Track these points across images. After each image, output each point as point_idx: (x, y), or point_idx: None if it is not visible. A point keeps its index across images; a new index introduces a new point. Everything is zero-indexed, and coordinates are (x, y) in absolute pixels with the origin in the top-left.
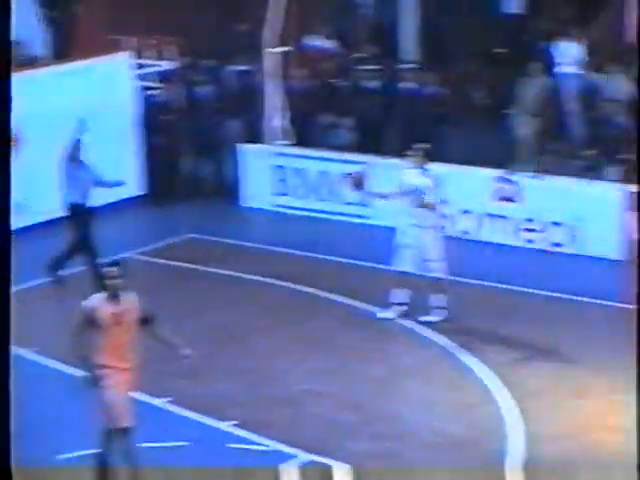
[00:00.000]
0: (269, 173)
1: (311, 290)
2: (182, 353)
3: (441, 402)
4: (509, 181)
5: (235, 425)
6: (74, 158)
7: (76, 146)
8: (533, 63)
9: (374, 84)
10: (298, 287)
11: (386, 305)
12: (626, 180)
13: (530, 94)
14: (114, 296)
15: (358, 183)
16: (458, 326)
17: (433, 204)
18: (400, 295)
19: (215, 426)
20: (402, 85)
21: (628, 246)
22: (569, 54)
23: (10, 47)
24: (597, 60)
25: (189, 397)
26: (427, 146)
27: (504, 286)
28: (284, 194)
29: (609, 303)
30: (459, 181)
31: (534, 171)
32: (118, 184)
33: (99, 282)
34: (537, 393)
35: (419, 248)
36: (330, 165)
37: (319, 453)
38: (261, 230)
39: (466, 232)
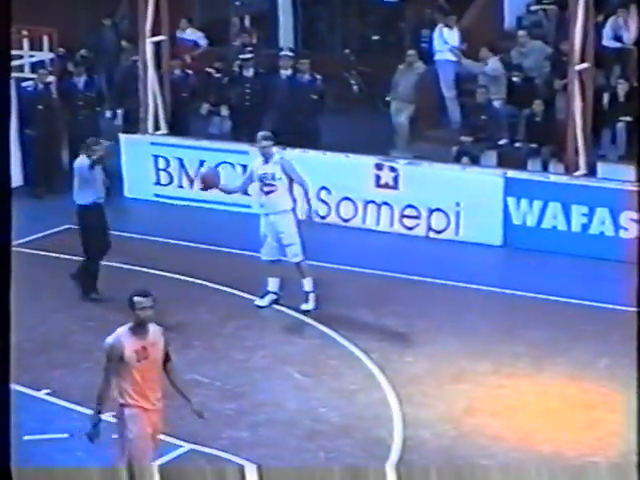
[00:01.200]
0: (150, 163)
1: (192, 280)
2: (193, 409)
3: (323, 389)
4: (388, 168)
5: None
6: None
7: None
8: (410, 50)
9: (250, 72)
10: (179, 277)
11: (263, 293)
12: (503, 165)
13: (407, 81)
14: (142, 328)
15: (209, 182)
16: (339, 313)
17: (280, 189)
18: (272, 283)
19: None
20: (279, 73)
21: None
22: (445, 41)
23: (10, 46)
24: (473, 46)
25: (69, 388)
26: (270, 134)
27: (385, 273)
28: (165, 184)
29: (488, 288)
30: (338, 169)
31: (413, 157)
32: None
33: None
34: (417, 379)
35: (274, 235)
36: (209, 154)
37: (200, 443)
38: (143, 220)
39: (346, 219)
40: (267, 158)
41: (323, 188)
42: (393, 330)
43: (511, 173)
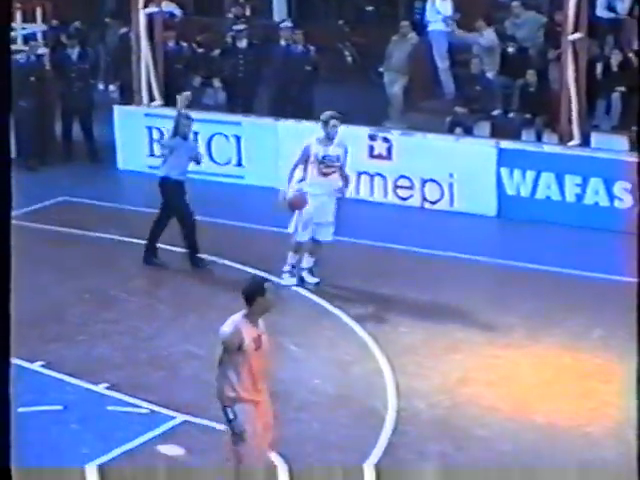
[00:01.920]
0: (144, 135)
1: (186, 251)
2: None
3: (317, 360)
4: (382, 139)
5: (111, 388)
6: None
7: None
8: (403, 21)
9: (244, 44)
10: (173, 248)
11: (279, 271)
12: (497, 136)
13: (401, 52)
14: (257, 317)
15: (297, 205)
16: (333, 284)
17: (338, 171)
18: (307, 260)
19: (91, 389)
20: (272, 44)
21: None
22: (438, 11)
23: (9, 40)
24: (467, 17)
25: (64, 360)
26: (338, 114)
27: (379, 244)
28: (159, 156)
29: (483, 259)
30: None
31: (406, 128)
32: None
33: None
34: (412, 349)
35: (321, 215)
36: (203, 126)
37: (194, 414)
38: (137, 192)
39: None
40: (332, 139)
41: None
42: (387, 301)
43: (504, 144)
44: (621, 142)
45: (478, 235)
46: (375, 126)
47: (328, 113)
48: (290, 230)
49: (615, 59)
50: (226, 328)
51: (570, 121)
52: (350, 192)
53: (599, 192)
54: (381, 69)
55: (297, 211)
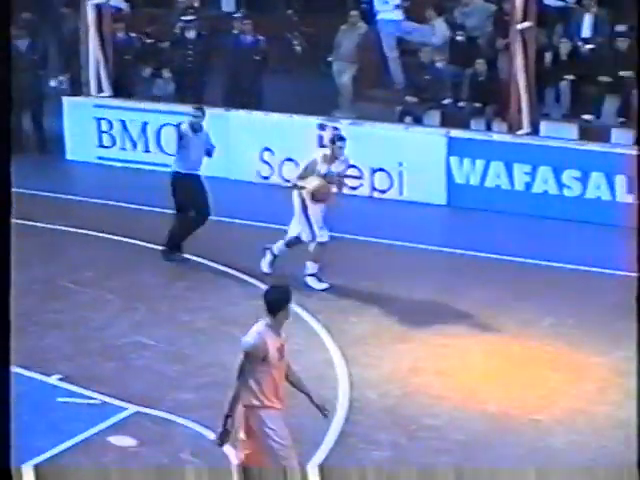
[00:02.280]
0: (93, 126)
1: (136, 242)
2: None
3: None
4: (331, 128)
5: (62, 379)
6: (198, 128)
7: (201, 115)
8: (352, 11)
9: (193, 34)
10: (123, 239)
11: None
12: (446, 125)
13: (349, 41)
14: (280, 326)
15: (323, 194)
16: (282, 274)
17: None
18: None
19: (42, 380)
20: (222, 35)
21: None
22: (386, 1)
23: (9, 42)
24: (416, 6)
25: (13, 351)
26: (344, 135)
27: (328, 233)
28: (108, 146)
29: (433, 248)
30: (281, 129)
31: (356, 118)
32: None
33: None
34: (362, 339)
35: (321, 220)
36: (152, 116)
37: (145, 405)
38: (85, 183)
39: (289, 180)
40: (337, 158)
41: (266, 149)
42: (337, 291)
43: (454, 133)
44: (570, 130)
45: (428, 224)
46: (324, 116)
47: (336, 133)
48: (305, 238)
49: (564, 48)
50: (250, 339)
51: (519, 110)
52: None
53: (548, 181)
54: (330, 59)
55: (317, 206)
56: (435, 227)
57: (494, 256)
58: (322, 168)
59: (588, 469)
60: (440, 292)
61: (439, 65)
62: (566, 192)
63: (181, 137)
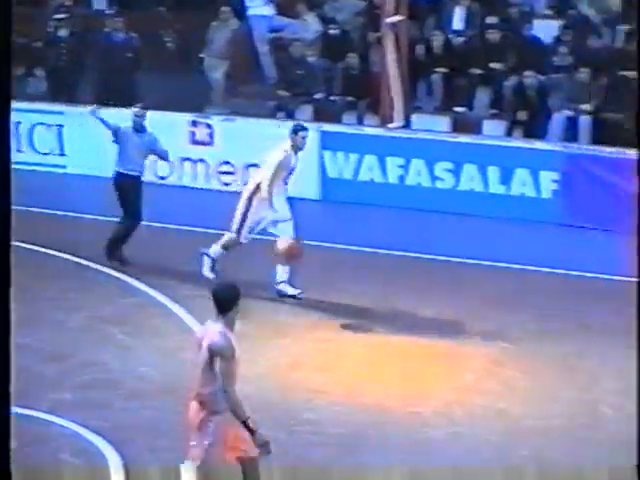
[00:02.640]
0: None
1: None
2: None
3: (145, 348)
4: (204, 125)
5: None
6: (140, 128)
7: (142, 115)
8: (223, 7)
9: (66, 33)
10: None
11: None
12: (319, 119)
13: (221, 37)
14: (233, 325)
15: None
16: (157, 272)
17: None
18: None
19: None
20: (95, 33)
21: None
22: None
23: (10, 40)
24: (287, 1)
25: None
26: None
27: (201, 230)
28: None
29: (308, 242)
30: (153, 126)
31: (229, 114)
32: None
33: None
34: (240, 334)
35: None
36: (25, 115)
37: (23, 406)
38: None
39: (162, 177)
40: (301, 149)
41: None
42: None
43: (326, 127)
44: (442, 123)
45: (302, 218)
46: (197, 112)
47: (297, 124)
48: (233, 227)
49: (436, 40)
50: (220, 340)
51: (392, 103)
52: (173, 179)
53: (421, 173)
54: (202, 55)
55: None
56: (310, 221)
57: (370, 250)
58: (292, 163)
59: (588, 469)
60: (317, 286)
61: (311, 59)
62: (439, 184)
63: (116, 135)
